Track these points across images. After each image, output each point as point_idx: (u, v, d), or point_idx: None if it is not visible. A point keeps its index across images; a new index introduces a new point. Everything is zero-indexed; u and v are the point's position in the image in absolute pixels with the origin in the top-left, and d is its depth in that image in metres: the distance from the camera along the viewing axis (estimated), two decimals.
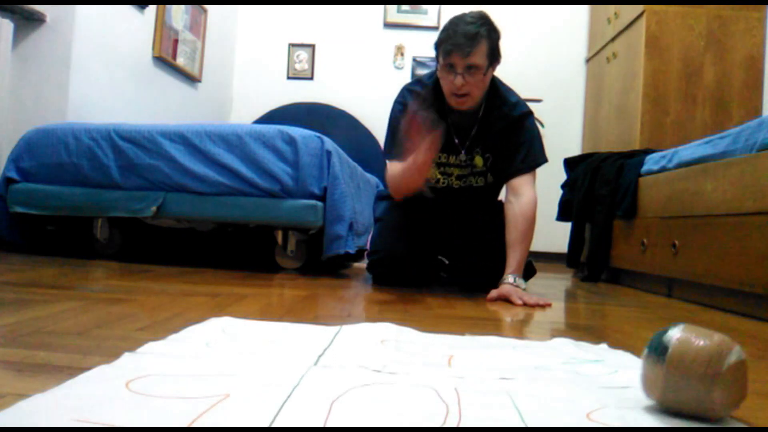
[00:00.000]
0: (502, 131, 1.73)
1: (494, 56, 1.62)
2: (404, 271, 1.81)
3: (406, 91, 1.78)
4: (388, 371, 0.69)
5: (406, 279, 1.82)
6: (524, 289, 1.60)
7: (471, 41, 1.55)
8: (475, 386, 0.64)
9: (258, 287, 1.56)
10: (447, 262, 2.06)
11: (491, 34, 1.60)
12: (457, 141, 1.77)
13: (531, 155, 1.73)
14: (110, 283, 1.46)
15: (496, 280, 1.66)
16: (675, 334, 0.59)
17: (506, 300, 1.55)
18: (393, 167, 1.64)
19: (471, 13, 1.62)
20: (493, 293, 1.57)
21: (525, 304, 1.50)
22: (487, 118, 1.73)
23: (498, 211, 1.84)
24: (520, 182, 1.71)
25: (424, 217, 1.86)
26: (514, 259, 1.64)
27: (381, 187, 3.31)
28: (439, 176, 1.82)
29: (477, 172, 1.82)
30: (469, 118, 1.73)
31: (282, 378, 0.63)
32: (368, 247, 1.97)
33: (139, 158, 2.12)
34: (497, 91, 1.75)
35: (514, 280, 1.61)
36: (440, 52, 1.61)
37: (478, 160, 1.79)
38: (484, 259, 1.80)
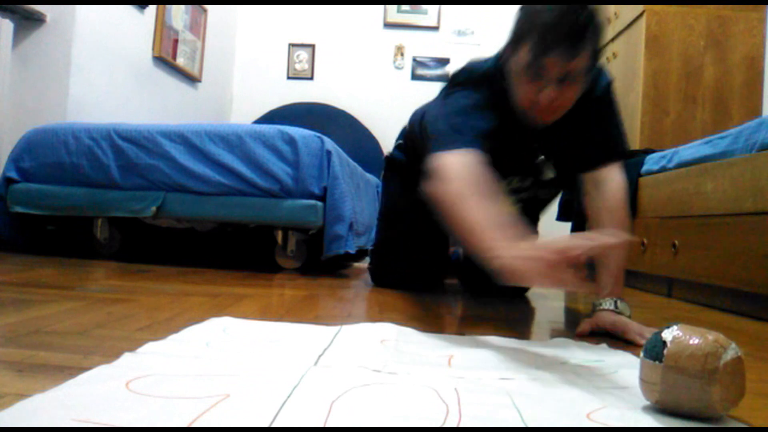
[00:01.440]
0: (578, 117, 1.22)
1: (596, 60, 1.14)
2: (412, 284, 1.67)
3: (479, 86, 1.22)
4: (388, 371, 0.69)
5: (411, 288, 1.67)
6: (629, 317, 1.12)
7: (579, 40, 1.04)
8: (475, 386, 0.64)
9: (258, 287, 1.56)
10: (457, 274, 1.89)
11: (600, 30, 1.11)
12: (524, 156, 1.36)
13: (618, 136, 1.30)
14: (110, 283, 1.46)
15: (514, 292, 1.56)
16: (670, 333, 0.59)
17: (611, 334, 1.07)
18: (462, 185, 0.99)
19: None
20: (586, 325, 1.10)
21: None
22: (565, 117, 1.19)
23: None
24: (607, 170, 1.24)
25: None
26: (608, 275, 1.15)
27: (380, 188, 3.31)
28: (511, 199, 1.44)
29: (544, 183, 1.43)
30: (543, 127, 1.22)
31: (282, 378, 0.63)
32: (371, 246, 1.88)
33: (139, 158, 2.12)
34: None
35: (616, 306, 1.11)
36: (523, 49, 1.08)
37: (548, 172, 1.39)
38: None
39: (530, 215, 1.58)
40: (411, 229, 1.62)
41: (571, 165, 1.31)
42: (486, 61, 1.27)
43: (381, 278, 1.78)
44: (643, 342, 0.97)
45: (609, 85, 1.29)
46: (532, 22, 1.07)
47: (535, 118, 1.16)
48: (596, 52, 1.11)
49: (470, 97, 1.19)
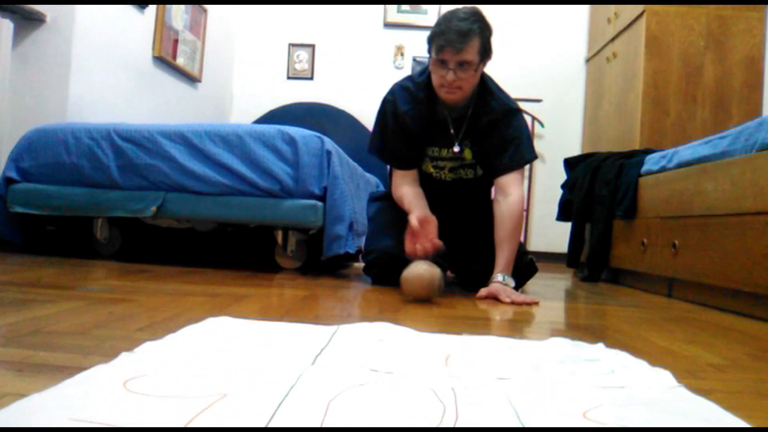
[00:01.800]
0: (489, 125, 1.76)
1: (486, 52, 1.65)
2: (400, 270, 1.79)
3: (399, 89, 1.80)
4: (386, 371, 0.69)
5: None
6: (513, 288, 1.64)
7: (463, 37, 1.57)
8: (472, 386, 0.65)
9: (258, 287, 1.57)
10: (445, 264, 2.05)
11: (483, 30, 1.63)
12: (445, 131, 1.80)
13: (519, 153, 1.76)
14: (110, 283, 1.47)
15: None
16: None
17: (495, 298, 1.57)
18: (401, 190, 1.80)
19: (464, 8, 1.63)
20: (482, 292, 1.61)
21: (513, 303, 1.53)
22: (476, 112, 1.76)
23: (490, 211, 1.87)
24: (508, 180, 1.74)
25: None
26: (502, 257, 1.67)
27: (381, 187, 3.32)
28: (432, 170, 1.86)
29: (466, 165, 1.85)
30: (460, 112, 1.77)
31: (279, 378, 0.63)
32: (363, 247, 1.98)
33: (139, 158, 2.12)
34: (486, 86, 1.78)
35: (503, 279, 1.64)
36: (432, 47, 1.63)
37: (467, 153, 1.82)
38: (481, 261, 1.81)
39: (466, 193, 1.93)
40: (400, 211, 1.87)
41: (484, 165, 1.83)
42: (422, 68, 1.84)
43: (376, 275, 1.92)
44: (506, 300, 1.54)
45: (513, 110, 1.78)
46: (436, 29, 1.62)
47: (445, 96, 1.68)
48: (484, 47, 1.63)
49: (390, 103, 1.81)
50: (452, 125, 1.78)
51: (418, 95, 1.76)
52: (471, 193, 1.92)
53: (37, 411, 0.48)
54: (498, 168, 1.76)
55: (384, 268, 1.81)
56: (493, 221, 1.75)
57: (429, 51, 1.67)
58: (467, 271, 1.93)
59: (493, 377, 0.69)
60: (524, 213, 1.73)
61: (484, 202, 1.95)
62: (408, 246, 1.59)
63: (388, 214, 1.91)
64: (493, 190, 1.85)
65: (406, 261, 1.80)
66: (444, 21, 1.61)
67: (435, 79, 1.67)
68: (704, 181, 1.88)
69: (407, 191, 1.78)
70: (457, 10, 1.63)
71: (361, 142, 3.90)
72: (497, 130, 1.75)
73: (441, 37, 1.59)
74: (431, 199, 1.84)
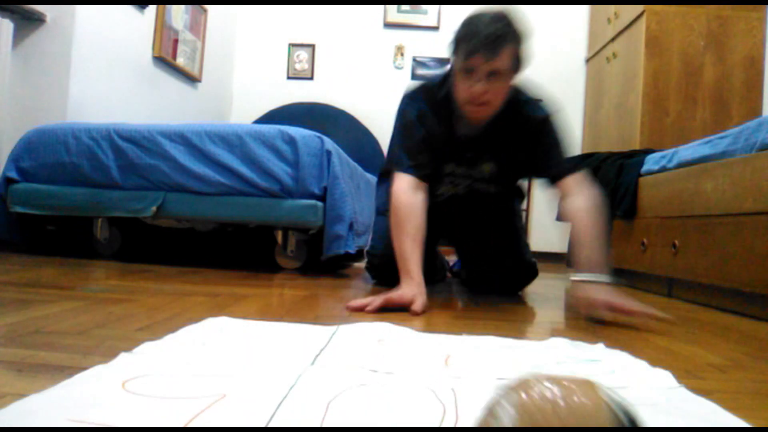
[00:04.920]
0: (521, 136, 1.53)
1: (519, 62, 1.41)
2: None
3: (417, 93, 1.57)
4: (385, 371, 0.69)
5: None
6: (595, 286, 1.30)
7: (496, 42, 1.33)
8: (471, 386, 0.65)
9: (258, 287, 1.57)
10: (452, 265, 2.04)
11: (518, 36, 1.39)
12: (464, 150, 1.60)
13: (567, 157, 1.54)
14: (110, 283, 1.47)
15: (507, 286, 1.69)
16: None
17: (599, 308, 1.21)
18: (410, 202, 1.45)
19: (495, 9, 1.38)
20: (576, 298, 1.26)
21: (630, 312, 1.21)
22: (499, 123, 1.52)
23: (510, 213, 1.80)
24: (571, 184, 1.48)
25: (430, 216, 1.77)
26: (589, 254, 1.34)
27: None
28: (443, 189, 1.67)
29: (484, 179, 1.67)
30: (481, 129, 1.54)
31: (279, 378, 0.63)
32: (368, 244, 1.92)
33: (139, 158, 2.12)
34: (516, 93, 1.52)
35: (595, 277, 1.28)
36: (459, 53, 1.38)
37: (486, 168, 1.63)
38: (494, 266, 1.77)
39: (480, 205, 1.75)
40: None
41: (504, 182, 1.69)
42: (438, 76, 1.59)
43: (378, 274, 1.86)
44: (636, 308, 1.20)
45: (548, 116, 1.54)
46: (465, 31, 1.37)
47: (471, 112, 1.44)
48: (517, 55, 1.38)
49: (414, 108, 1.55)
50: (471, 142, 1.57)
51: (436, 108, 1.53)
52: (488, 202, 1.74)
53: (36, 411, 0.48)
54: (552, 174, 1.52)
55: (388, 272, 1.67)
56: (507, 223, 1.67)
57: (453, 56, 1.42)
58: (471, 272, 1.91)
59: (493, 377, 0.69)
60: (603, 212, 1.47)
61: (501, 207, 1.80)
62: (363, 303, 1.26)
63: None
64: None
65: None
66: (473, 22, 1.36)
67: (460, 92, 1.41)
68: (704, 181, 1.88)
69: (415, 218, 1.43)
70: (486, 10, 1.38)
71: (361, 142, 3.91)
72: (534, 141, 1.53)
73: (470, 42, 1.34)
74: (444, 209, 1.70)
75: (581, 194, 1.45)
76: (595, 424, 0.36)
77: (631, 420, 0.38)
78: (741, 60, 3.07)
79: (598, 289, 1.25)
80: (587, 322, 1.11)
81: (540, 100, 1.57)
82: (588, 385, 0.39)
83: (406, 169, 1.50)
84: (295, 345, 0.81)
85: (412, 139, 1.53)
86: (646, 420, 0.56)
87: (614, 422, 0.36)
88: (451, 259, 2.24)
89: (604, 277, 1.25)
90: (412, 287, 1.30)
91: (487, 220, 1.78)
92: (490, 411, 0.39)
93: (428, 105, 1.54)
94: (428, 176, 1.53)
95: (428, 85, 1.58)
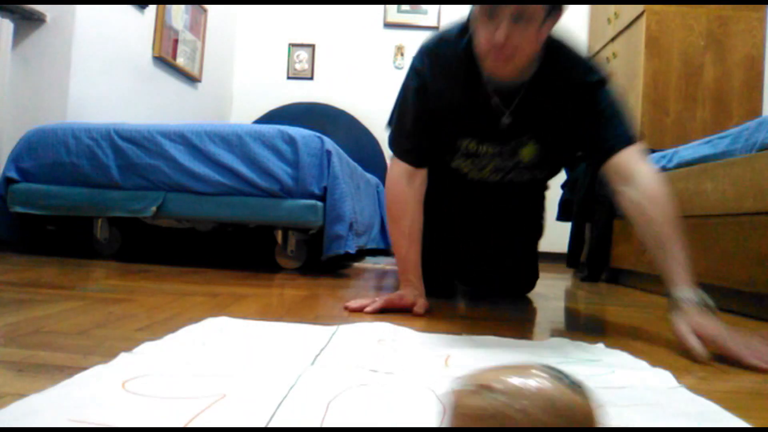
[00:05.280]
0: (569, 105, 1.22)
1: (554, 5, 1.09)
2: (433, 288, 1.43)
3: (432, 55, 1.28)
4: (385, 371, 0.69)
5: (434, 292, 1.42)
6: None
7: None
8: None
9: (258, 287, 1.57)
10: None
11: None
12: (495, 123, 1.26)
13: (625, 126, 1.20)
14: (110, 283, 1.47)
15: (508, 289, 1.57)
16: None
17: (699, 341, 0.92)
18: (402, 197, 1.31)
19: None
20: (691, 339, 0.92)
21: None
22: (537, 89, 1.21)
23: (538, 208, 1.61)
24: (628, 159, 1.15)
25: (450, 217, 1.53)
26: (679, 261, 1.02)
27: (381, 186, 3.31)
28: (466, 168, 1.39)
29: (522, 167, 1.36)
30: (515, 92, 1.22)
31: (279, 378, 0.63)
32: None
33: (139, 158, 2.12)
34: (560, 52, 1.21)
35: (701, 300, 0.98)
36: None
37: (526, 152, 1.31)
38: (494, 265, 1.61)
39: (510, 197, 1.46)
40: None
41: (550, 166, 1.39)
42: (458, 22, 1.29)
43: None
44: (754, 361, 0.85)
45: (602, 81, 1.22)
46: None
47: (492, 66, 1.13)
48: None
49: (419, 78, 1.29)
50: (503, 111, 1.25)
51: (454, 67, 1.23)
52: (519, 197, 1.48)
53: (35, 411, 0.48)
54: (604, 148, 1.18)
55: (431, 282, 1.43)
56: (530, 221, 1.49)
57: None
58: (470, 272, 1.72)
59: None
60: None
61: (529, 201, 1.58)
62: (362, 304, 1.23)
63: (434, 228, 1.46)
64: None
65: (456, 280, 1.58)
66: None
67: (481, 41, 1.11)
68: (704, 181, 1.88)
69: (410, 213, 1.31)
70: None
71: (361, 141, 3.91)
72: (584, 109, 1.21)
73: None
74: (455, 196, 1.47)
75: (647, 177, 1.12)
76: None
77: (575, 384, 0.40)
78: (741, 60, 3.07)
79: (707, 318, 0.95)
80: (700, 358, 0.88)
81: (591, 60, 1.26)
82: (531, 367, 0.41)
83: (401, 155, 1.34)
84: (295, 345, 0.81)
85: (409, 116, 1.32)
86: (647, 420, 0.56)
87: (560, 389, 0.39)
88: None
89: (708, 298, 0.98)
90: (411, 288, 1.27)
91: (511, 215, 1.54)
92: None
93: (442, 68, 1.26)
94: (427, 157, 1.34)
95: (446, 37, 1.28)
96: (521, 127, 1.27)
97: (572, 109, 1.22)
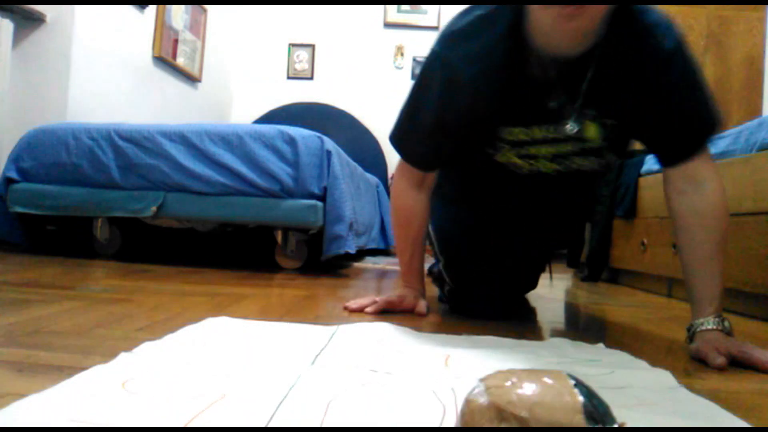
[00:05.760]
0: (641, 76, 1.01)
1: None
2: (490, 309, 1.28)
3: (461, 39, 1.04)
4: (385, 371, 0.69)
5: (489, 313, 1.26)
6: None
7: None
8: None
9: (258, 287, 1.57)
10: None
11: None
12: (551, 102, 1.04)
13: (699, 117, 1.03)
14: (110, 283, 1.47)
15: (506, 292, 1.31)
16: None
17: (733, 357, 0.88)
18: (407, 206, 1.23)
19: None
20: (719, 360, 0.86)
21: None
22: (609, 55, 0.99)
23: (590, 204, 1.39)
24: (695, 165, 1.02)
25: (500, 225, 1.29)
26: (713, 285, 0.97)
27: (381, 186, 3.31)
28: (516, 160, 1.13)
29: (589, 150, 1.10)
30: (577, 64, 0.99)
31: (279, 378, 0.63)
32: (440, 258, 1.39)
33: (139, 158, 2.12)
34: (630, 14, 1.01)
35: (722, 325, 0.95)
36: None
37: (592, 130, 1.07)
38: (494, 265, 1.31)
39: (576, 190, 1.21)
40: (472, 252, 1.31)
41: (621, 147, 1.13)
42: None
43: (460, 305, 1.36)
44: None
45: (679, 43, 1.02)
46: None
47: (563, 25, 0.90)
48: None
49: (446, 64, 1.05)
50: (561, 86, 1.02)
51: (495, 48, 1.01)
52: (580, 190, 1.23)
53: (35, 411, 0.48)
54: (677, 150, 1.04)
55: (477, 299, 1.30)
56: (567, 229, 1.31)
57: None
58: (470, 272, 1.34)
59: None
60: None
61: (583, 195, 1.30)
62: (362, 305, 1.23)
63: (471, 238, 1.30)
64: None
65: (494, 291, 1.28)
66: None
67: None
68: None
69: (418, 221, 1.23)
70: None
71: (361, 142, 3.92)
72: (652, 86, 1.01)
73: None
74: (506, 197, 1.22)
75: (715, 186, 1.01)
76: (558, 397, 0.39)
77: (595, 405, 0.40)
78: (741, 60, 3.07)
79: (723, 336, 0.93)
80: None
81: (669, 21, 1.05)
82: (556, 373, 0.42)
83: (412, 160, 1.19)
84: (294, 345, 0.81)
85: (428, 114, 1.10)
86: (647, 420, 0.56)
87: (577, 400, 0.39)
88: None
89: (728, 325, 0.95)
90: (412, 290, 1.27)
91: (559, 213, 1.29)
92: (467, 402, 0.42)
93: (476, 50, 1.02)
94: (443, 160, 1.19)
95: (475, 21, 1.04)
96: (586, 104, 1.04)
97: (644, 83, 1.01)
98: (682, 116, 1.02)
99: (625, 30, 0.98)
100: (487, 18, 1.03)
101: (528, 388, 0.40)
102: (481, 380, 0.43)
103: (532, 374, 0.42)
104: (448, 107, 1.07)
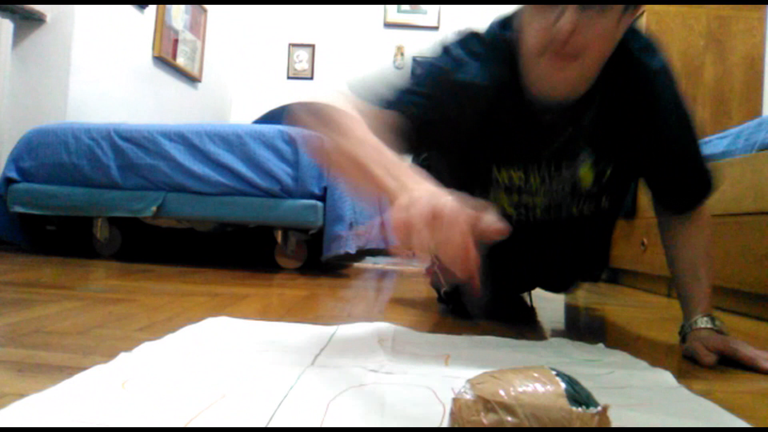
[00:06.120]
0: (632, 107, 0.95)
1: None
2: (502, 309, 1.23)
3: (461, 52, 0.93)
4: (385, 371, 0.69)
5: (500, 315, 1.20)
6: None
7: None
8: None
9: (258, 287, 1.57)
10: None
11: None
12: (547, 143, 0.97)
13: (700, 170, 1.07)
14: (110, 283, 1.47)
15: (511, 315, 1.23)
16: None
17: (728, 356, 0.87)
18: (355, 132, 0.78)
19: None
20: (708, 357, 0.86)
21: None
22: (607, 90, 0.93)
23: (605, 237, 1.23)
24: (700, 210, 1.09)
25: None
26: (703, 286, 0.99)
27: None
28: (511, 211, 1.03)
29: (583, 194, 1.02)
30: (575, 107, 0.93)
31: (278, 378, 0.63)
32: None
33: (139, 158, 2.12)
34: (629, 42, 0.93)
35: (714, 324, 0.94)
36: None
37: (586, 174, 0.99)
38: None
39: (573, 234, 1.09)
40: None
41: (618, 192, 1.06)
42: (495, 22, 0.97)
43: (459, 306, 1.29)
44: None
45: (664, 66, 0.96)
46: None
47: (550, 70, 0.83)
48: None
49: (456, 60, 0.92)
50: (559, 124, 0.95)
51: (494, 70, 0.91)
52: (579, 234, 1.10)
53: (35, 411, 0.48)
54: (680, 201, 1.07)
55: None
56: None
57: None
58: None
59: None
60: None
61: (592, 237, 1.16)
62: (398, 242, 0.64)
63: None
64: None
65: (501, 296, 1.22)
66: None
67: (538, 31, 0.82)
68: None
69: (354, 120, 0.82)
70: None
71: None
72: (641, 121, 0.95)
73: None
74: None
75: (702, 209, 1.07)
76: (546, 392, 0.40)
77: (579, 393, 0.41)
78: (741, 60, 3.07)
79: (717, 335, 0.93)
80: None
81: (654, 42, 0.99)
82: (538, 366, 0.44)
83: (369, 97, 0.93)
84: (294, 345, 0.81)
85: (416, 87, 0.92)
86: (646, 420, 0.56)
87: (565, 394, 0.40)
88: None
89: (722, 324, 0.94)
90: (426, 188, 0.65)
91: (567, 254, 1.16)
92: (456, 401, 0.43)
93: (477, 64, 0.92)
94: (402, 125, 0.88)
95: (479, 36, 0.96)
96: (577, 143, 0.96)
97: (632, 111, 0.95)
98: (681, 168, 1.04)
99: (622, 63, 0.92)
100: (479, 39, 0.95)
101: (512, 380, 0.41)
102: (468, 380, 0.44)
103: (516, 370, 0.43)
104: (435, 106, 0.90)
